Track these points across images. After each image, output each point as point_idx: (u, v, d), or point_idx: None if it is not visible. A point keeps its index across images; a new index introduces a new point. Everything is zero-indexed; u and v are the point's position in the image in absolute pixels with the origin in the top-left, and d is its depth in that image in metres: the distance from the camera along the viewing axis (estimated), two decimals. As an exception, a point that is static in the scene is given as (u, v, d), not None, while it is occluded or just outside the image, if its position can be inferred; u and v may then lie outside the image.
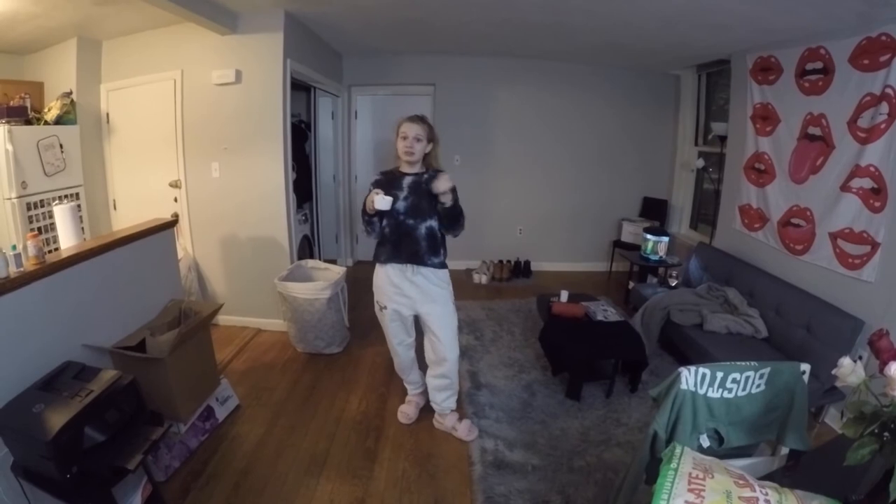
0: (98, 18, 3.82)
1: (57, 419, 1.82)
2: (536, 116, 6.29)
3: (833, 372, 1.27)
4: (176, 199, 4.39)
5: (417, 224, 2.73)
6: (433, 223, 2.76)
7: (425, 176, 2.75)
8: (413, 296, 2.84)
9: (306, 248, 5.66)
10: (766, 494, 1.22)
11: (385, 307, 2.91)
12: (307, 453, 2.89)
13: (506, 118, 6.25)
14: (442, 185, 2.56)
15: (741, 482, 1.26)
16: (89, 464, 1.89)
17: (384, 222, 2.79)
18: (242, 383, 3.54)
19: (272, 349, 4.14)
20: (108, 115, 4.48)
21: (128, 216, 4.46)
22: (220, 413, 3.11)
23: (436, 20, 4.32)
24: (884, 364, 1.16)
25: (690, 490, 1.23)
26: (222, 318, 4.42)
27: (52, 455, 1.75)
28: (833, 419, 3.25)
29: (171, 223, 3.27)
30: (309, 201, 5.99)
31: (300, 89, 5.44)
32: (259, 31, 3.98)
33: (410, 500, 2.53)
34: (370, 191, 2.71)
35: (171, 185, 4.36)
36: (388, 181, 2.77)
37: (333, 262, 5.36)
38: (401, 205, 2.71)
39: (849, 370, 1.24)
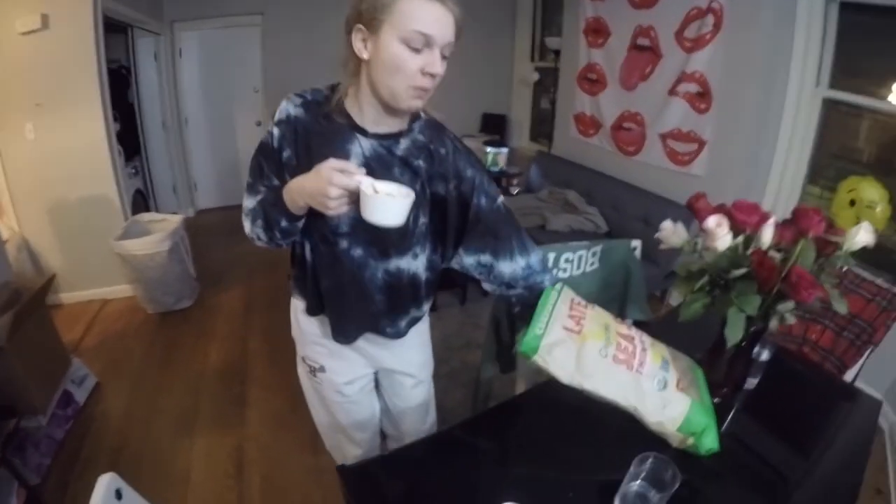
0: None
1: None
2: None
3: (656, 236, 1.32)
4: (-7, 172, 3.85)
5: (374, 262, 1.33)
6: (415, 262, 1.37)
7: (404, 140, 1.27)
8: (370, 353, 1.55)
9: (141, 203, 5.26)
10: (641, 335, 1.27)
11: (321, 367, 1.56)
12: (176, 414, 2.82)
13: (338, 44, 6.01)
14: None
15: (618, 320, 1.28)
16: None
17: (312, 239, 1.33)
18: (98, 359, 3.30)
19: (122, 317, 3.89)
20: None
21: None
22: (80, 395, 2.89)
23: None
24: (702, 222, 1.23)
25: (571, 316, 1.19)
26: (66, 297, 4.08)
27: None
28: (677, 300, 3.63)
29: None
30: (138, 153, 5.50)
31: (117, 31, 4.89)
32: (62, -34, 3.47)
33: (287, 436, 2.56)
34: (268, 139, 1.26)
35: (-17, 156, 3.81)
36: (320, 135, 1.23)
37: (174, 214, 5.06)
38: (342, 215, 1.17)
39: (670, 231, 1.30)
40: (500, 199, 1.34)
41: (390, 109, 1.19)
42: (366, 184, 1.05)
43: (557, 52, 5.18)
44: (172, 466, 2.47)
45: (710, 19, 3.36)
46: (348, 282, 1.34)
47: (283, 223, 1.22)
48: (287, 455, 2.50)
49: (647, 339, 1.26)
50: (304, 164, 1.19)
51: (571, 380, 1.12)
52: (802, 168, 3.26)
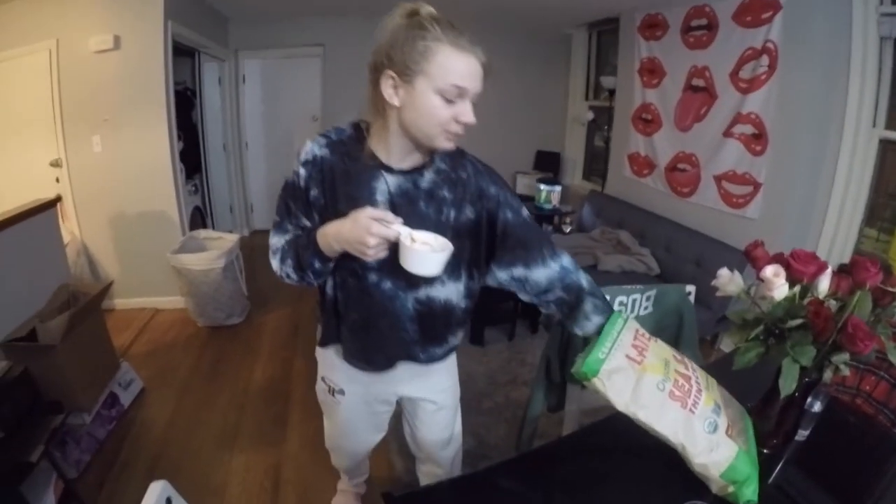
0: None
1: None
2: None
3: (713, 283, 1.31)
4: (58, 180, 4.02)
5: (403, 294, 1.35)
6: (444, 289, 1.37)
7: (428, 172, 1.28)
8: (393, 380, 1.55)
9: (198, 219, 5.44)
10: (696, 374, 1.25)
11: (341, 391, 1.60)
12: (218, 427, 2.85)
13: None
14: None
15: (677, 358, 1.28)
16: (-11, 463, 1.78)
17: (336, 276, 1.36)
18: (146, 366, 3.39)
19: (173, 327, 4.00)
20: (-25, 95, 4.00)
21: (8, 203, 4.05)
22: (125, 399, 2.97)
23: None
24: (759, 271, 1.21)
25: (634, 346, 1.22)
26: (119, 302, 4.23)
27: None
28: (728, 346, 3.54)
29: (52, 202, 3.06)
30: (199, 172, 5.71)
31: (184, 54, 5.13)
32: (138, -9, 3.69)
33: (325, 460, 2.56)
34: (295, 179, 1.30)
35: (52, 164, 3.98)
36: (345, 173, 1.26)
37: (230, 233, 5.20)
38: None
39: (727, 279, 1.28)
40: (524, 210, 1.35)
41: (422, 147, 1.22)
42: (404, 234, 1.09)
43: (612, 92, 5.19)
44: (210, 478, 2.49)
45: (764, 59, 3.32)
46: (379, 313, 1.35)
47: (317, 265, 1.25)
48: (324, 479, 2.48)
49: (702, 381, 1.25)
50: (331, 202, 1.26)
51: (626, 408, 1.12)
52: (859, 210, 3.16)
